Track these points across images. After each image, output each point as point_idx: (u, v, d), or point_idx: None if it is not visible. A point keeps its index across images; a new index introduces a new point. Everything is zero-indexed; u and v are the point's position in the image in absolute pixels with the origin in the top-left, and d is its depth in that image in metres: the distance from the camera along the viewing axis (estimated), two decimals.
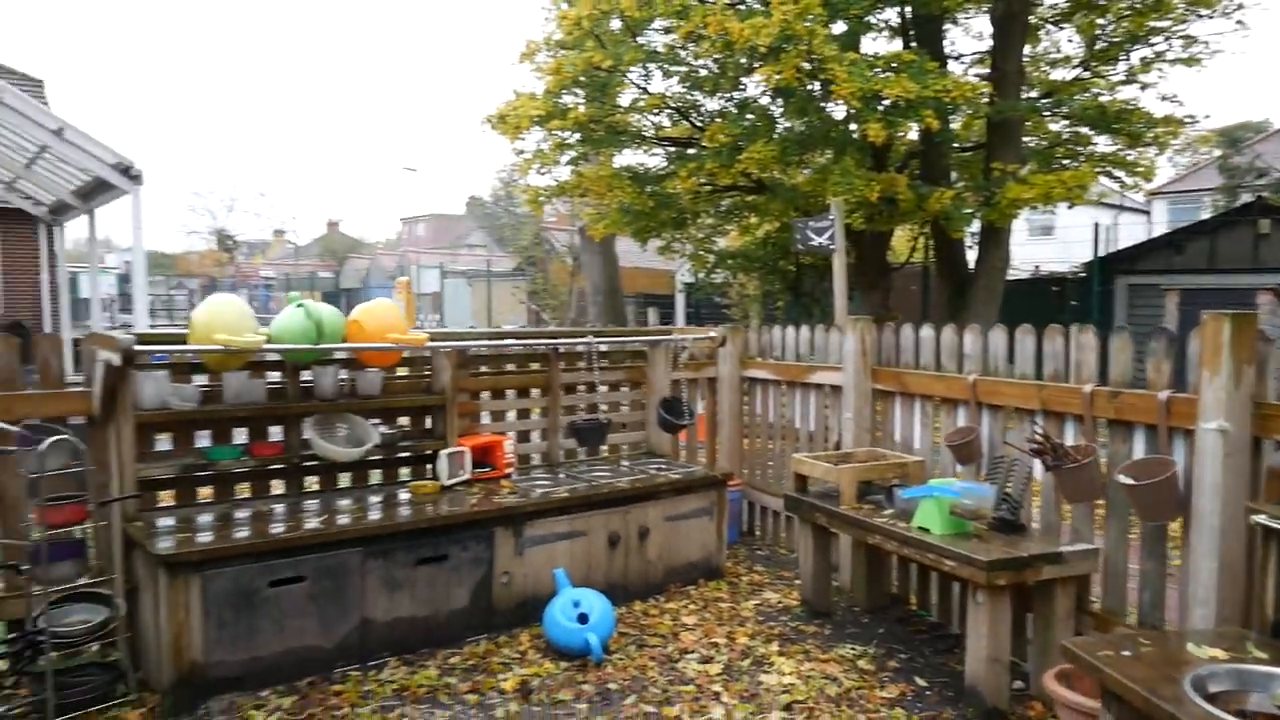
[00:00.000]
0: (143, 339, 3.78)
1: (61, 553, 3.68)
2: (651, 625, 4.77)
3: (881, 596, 5.06)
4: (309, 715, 3.69)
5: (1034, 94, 12.98)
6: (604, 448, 5.81)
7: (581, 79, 12.57)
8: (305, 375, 4.66)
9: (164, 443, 4.36)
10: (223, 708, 3.72)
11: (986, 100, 11.10)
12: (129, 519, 3.99)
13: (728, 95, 12.75)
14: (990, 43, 12.40)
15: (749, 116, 11.83)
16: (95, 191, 13.10)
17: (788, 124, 11.89)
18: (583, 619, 4.30)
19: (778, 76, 10.40)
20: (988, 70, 12.36)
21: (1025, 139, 12.51)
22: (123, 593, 3.88)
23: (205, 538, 3.92)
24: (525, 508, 4.61)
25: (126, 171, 11.34)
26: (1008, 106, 11.03)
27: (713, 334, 6.08)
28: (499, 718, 3.71)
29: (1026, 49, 12.61)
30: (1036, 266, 22.77)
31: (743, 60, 11.66)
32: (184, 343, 4.06)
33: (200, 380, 4.44)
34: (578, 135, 13.20)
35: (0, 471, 3.93)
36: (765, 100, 12.37)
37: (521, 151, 13.99)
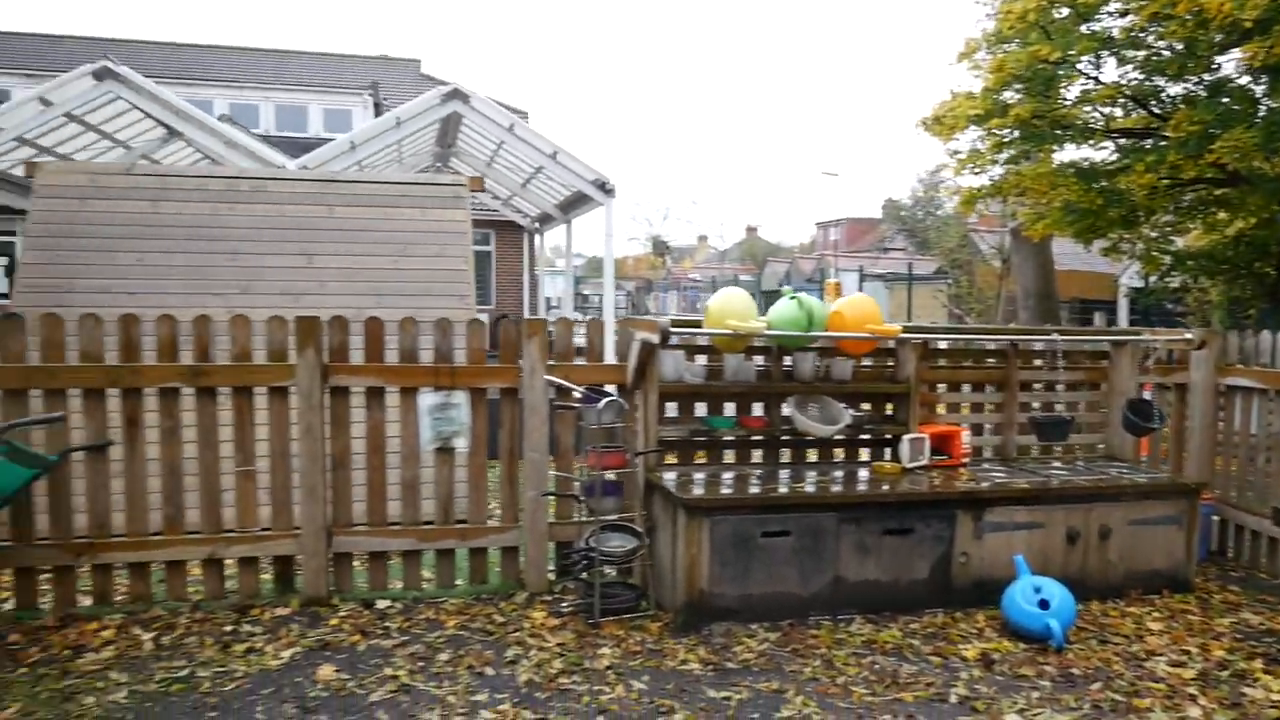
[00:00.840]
0: (673, 323, 4.63)
1: (607, 490, 4.65)
2: (1112, 625, 4.73)
3: None
4: (792, 649, 4.28)
5: None
6: (1057, 447, 5.80)
7: (1024, 74, 12.19)
8: (785, 360, 5.31)
9: (671, 411, 5.25)
10: (722, 631, 4.45)
11: None
12: (649, 469, 4.89)
13: (1196, 78, 11.59)
14: None
15: (1223, 100, 10.67)
16: (574, 204, 15.32)
17: (1274, 105, 10.53)
18: (1043, 605, 4.43)
19: (1266, 52, 9.30)
20: None
21: None
22: (644, 528, 4.78)
23: (699, 491, 4.67)
24: (986, 494, 4.83)
25: (602, 186, 13.17)
26: None
27: (1188, 336, 5.77)
28: (964, 679, 4.00)
29: None
30: None
31: (1217, 38, 10.56)
32: (699, 329, 4.88)
33: (701, 360, 5.28)
34: (1017, 133, 12.81)
35: (559, 423, 5.04)
36: (1244, 80, 11.07)
37: (956, 152, 13.87)
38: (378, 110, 22.85)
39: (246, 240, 6.79)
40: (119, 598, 4.79)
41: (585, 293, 37.27)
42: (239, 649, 4.20)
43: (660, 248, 48.06)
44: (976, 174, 14.05)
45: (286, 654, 4.15)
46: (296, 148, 16.74)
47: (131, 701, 3.67)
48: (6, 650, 4.15)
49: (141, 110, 12.33)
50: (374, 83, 23.44)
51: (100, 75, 11.39)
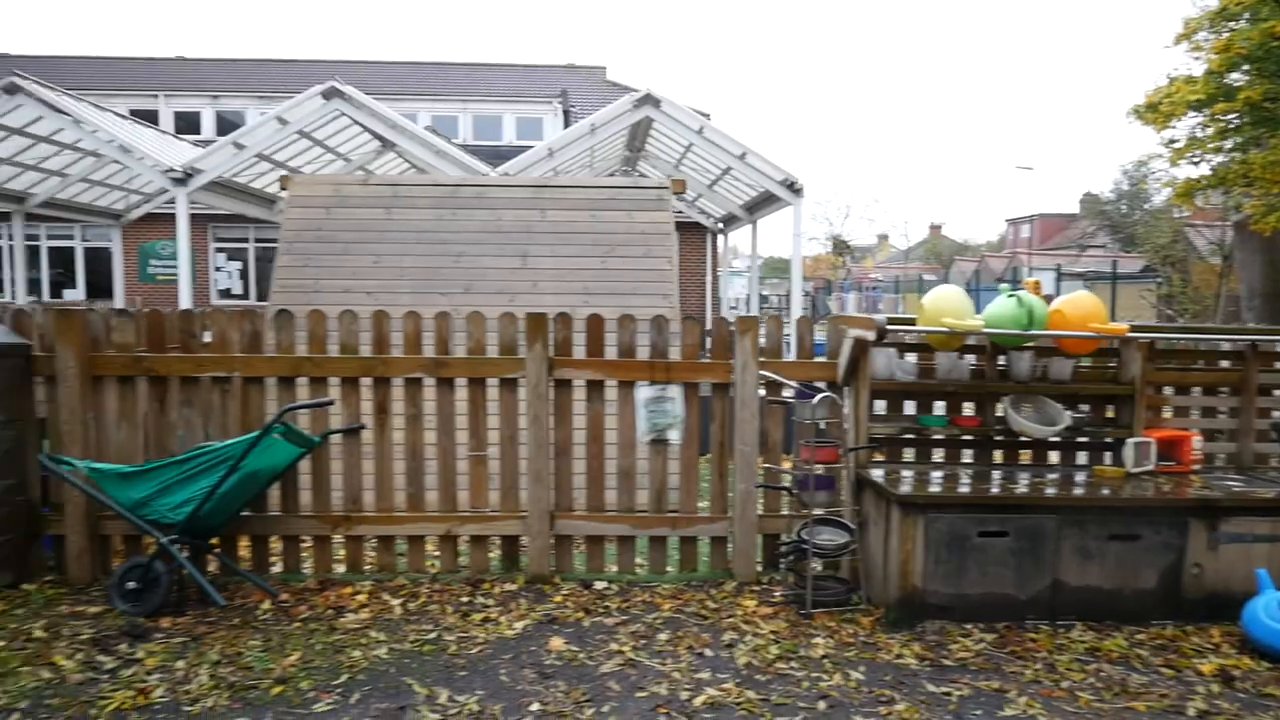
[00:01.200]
0: (890, 320, 4.67)
1: (819, 484, 4.74)
2: None
3: None
4: (1010, 651, 4.23)
5: None
6: None
7: (1255, 53, 11.29)
8: (1000, 359, 5.22)
9: (879, 408, 5.27)
10: (935, 630, 4.45)
11: None
12: (860, 465, 4.94)
13: None
14: None
15: None
16: (760, 204, 15.41)
17: None
18: None
19: None
20: None
21: None
22: (854, 523, 4.83)
23: (914, 487, 4.66)
24: (1223, 502, 4.58)
25: (791, 186, 13.17)
26: None
27: None
28: (1201, 694, 3.83)
29: None
30: None
31: None
32: (913, 326, 4.88)
33: (911, 358, 5.27)
34: (1245, 117, 11.88)
35: (768, 418, 5.17)
36: None
37: (1172, 141, 13.04)
38: (567, 117, 23.71)
39: (469, 243, 7.30)
40: (367, 566, 5.30)
41: (763, 293, 37.16)
42: (476, 618, 4.57)
43: (840, 247, 47.17)
44: (1195, 164, 13.19)
45: (519, 625, 4.48)
46: (493, 155, 17.69)
47: (391, 657, 4.08)
48: (280, 607, 4.69)
49: (361, 125, 13.38)
50: (563, 91, 24.35)
51: (328, 95, 12.46)
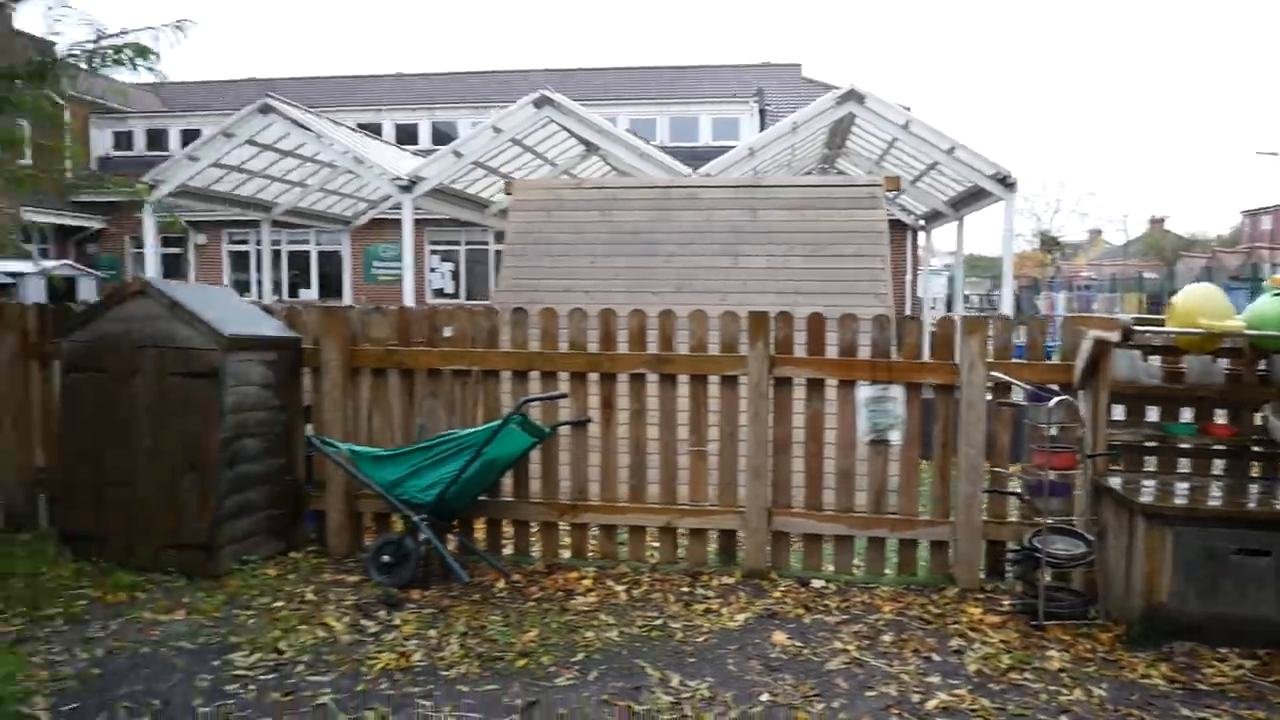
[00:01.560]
0: (1135, 320, 4.42)
1: (1054, 491, 4.55)
2: None
3: None
4: (1276, 680, 3.91)
5: None
6: None
7: None
8: (1260, 363, 4.82)
9: (1117, 413, 4.99)
10: (1185, 651, 4.17)
11: None
12: (1098, 473, 4.70)
13: None
14: None
15: None
16: (966, 200, 14.82)
17: None
18: None
19: None
20: None
21: None
22: (1091, 533, 4.61)
23: (1162, 499, 4.39)
24: None
25: (1003, 180, 12.61)
26: None
27: None
28: None
29: None
30: None
31: None
32: (1162, 326, 4.61)
33: (1154, 361, 4.96)
34: None
35: (995, 421, 5.02)
36: None
37: None
38: (763, 116, 23.67)
39: (680, 243, 7.49)
40: (590, 553, 5.56)
41: (965, 293, 35.59)
42: (698, 608, 4.71)
43: (1049, 244, 44.46)
44: None
45: (740, 618, 4.58)
46: (690, 156, 17.93)
47: (622, 640, 4.28)
48: (514, 587, 5.01)
49: (568, 130, 13.95)
50: (759, 90, 24.33)
51: (539, 103, 13.06)
